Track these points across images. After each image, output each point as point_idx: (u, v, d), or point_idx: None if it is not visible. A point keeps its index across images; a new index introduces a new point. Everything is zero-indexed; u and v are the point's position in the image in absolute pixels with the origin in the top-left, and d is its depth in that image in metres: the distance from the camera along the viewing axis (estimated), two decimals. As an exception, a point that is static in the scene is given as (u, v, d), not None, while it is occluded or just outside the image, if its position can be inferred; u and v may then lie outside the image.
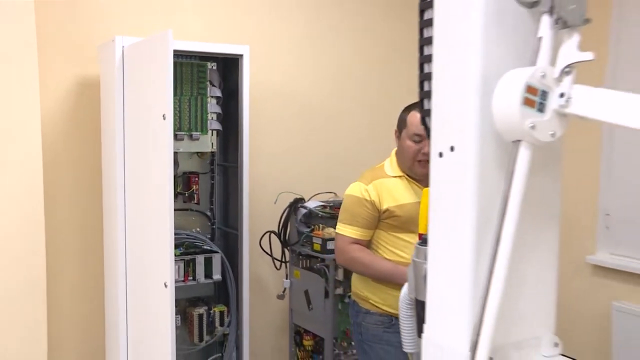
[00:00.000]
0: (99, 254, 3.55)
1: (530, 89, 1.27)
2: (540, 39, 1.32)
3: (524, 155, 1.31)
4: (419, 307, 1.67)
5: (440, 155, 1.48)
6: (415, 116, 2.65)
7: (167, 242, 2.86)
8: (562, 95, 1.27)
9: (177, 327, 3.50)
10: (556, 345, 1.59)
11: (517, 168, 1.31)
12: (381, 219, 2.72)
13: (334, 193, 3.78)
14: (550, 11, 1.29)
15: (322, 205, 3.64)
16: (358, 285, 2.87)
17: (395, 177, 2.75)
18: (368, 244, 2.80)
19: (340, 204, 3.51)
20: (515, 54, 1.38)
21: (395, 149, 2.87)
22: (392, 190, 2.70)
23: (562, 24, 1.29)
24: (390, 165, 2.83)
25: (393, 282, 2.59)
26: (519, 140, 1.31)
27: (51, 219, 3.29)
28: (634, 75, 4.10)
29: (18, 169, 3.03)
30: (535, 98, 1.27)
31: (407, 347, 1.81)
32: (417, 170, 2.72)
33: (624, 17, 4.19)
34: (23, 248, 3.06)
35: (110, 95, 3.26)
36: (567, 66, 1.27)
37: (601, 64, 4.18)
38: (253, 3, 3.88)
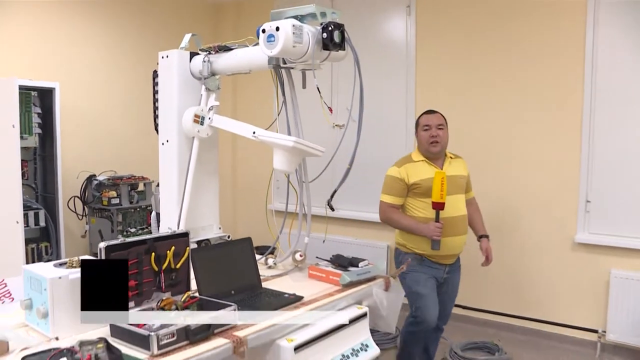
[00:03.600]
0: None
1: (196, 116, 2.10)
2: (202, 94, 2.20)
3: (195, 144, 2.13)
4: (158, 216, 2.41)
5: (163, 144, 2.23)
6: (423, 117, 2.77)
7: (17, 196, 3.30)
8: (209, 118, 2.14)
9: (15, 258, 3.82)
10: (220, 228, 2.42)
11: (193, 149, 2.13)
12: (410, 189, 2.68)
13: (114, 171, 4.19)
14: (205, 84, 2.18)
15: (107, 178, 4.01)
16: (399, 237, 2.79)
17: (418, 161, 2.75)
18: (401, 207, 2.74)
19: (118, 177, 4.07)
20: (193, 100, 2.18)
21: (417, 145, 2.87)
22: (417, 170, 2.69)
23: (208, 89, 2.17)
24: (415, 154, 2.82)
25: (414, 233, 2.64)
26: (194, 137, 2.17)
27: None
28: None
29: None
30: (199, 119, 2.12)
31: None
32: (432, 149, 2.70)
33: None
34: None
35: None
36: (210, 107, 2.13)
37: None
38: (65, 49, 4.12)
